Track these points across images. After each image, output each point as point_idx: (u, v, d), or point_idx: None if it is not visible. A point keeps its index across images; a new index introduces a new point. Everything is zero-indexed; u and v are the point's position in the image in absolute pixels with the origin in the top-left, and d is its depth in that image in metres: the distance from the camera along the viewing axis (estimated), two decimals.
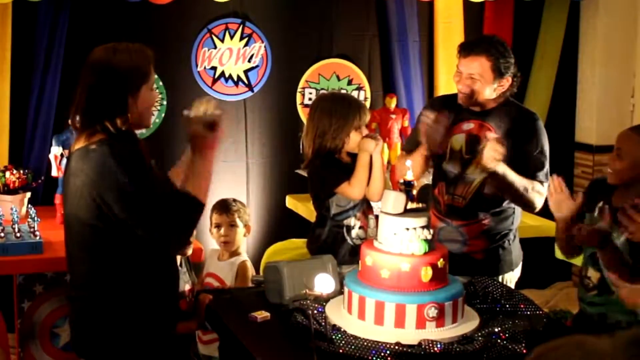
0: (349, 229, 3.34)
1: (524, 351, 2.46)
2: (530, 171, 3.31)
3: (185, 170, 2.61)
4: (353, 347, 2.43)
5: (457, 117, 3.42)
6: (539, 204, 3.33)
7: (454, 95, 3.47)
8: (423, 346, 2.42)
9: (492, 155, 3.13)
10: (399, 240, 2.58)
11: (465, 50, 3.35)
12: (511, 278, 3.48)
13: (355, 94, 5.04)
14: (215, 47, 4.86)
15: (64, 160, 4.14)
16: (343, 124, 3.32)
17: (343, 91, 5.04)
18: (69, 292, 2.71)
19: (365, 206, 3.39)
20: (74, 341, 2.68)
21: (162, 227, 2.48)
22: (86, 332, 2.60)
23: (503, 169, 3.18)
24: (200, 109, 2.59)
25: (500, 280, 3.37)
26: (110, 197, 2.43)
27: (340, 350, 2.42)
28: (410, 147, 3.56)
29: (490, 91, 3.33)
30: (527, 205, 3.35)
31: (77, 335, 2.65)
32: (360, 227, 3.34)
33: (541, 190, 3.30)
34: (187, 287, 3.22)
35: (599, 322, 2.87)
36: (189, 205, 2.53)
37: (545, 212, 3.83)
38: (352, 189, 3.29)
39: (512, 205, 3.41)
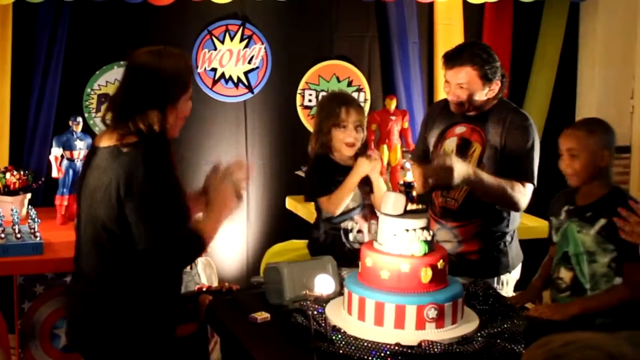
0: (347, 232, 3.34)
1: (524, 351, 2.46)
2: (515, 171, 3.30)
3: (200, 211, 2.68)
4: (353, 347, 2.43)
5: (451, 121, 3.44)
6: (522, 203, 3.31)
7: (445, 100, 3.50)
8: (423, 347, 2.43)
9: (445, 175, 3.10)
10: (399, 242, 2.59)
11: (450, 61, 3.33)
12: (508, 280, 3.48)
13: (355, 95, 5.04)
14: (215, 49, 4.87)
15: (65, 162, 4.15)
16: (325, 119, 3.32)
17: None
18: (70, 284, 2.70)
19: (366, 211, 3.38)
20: (71, 334, 2.68)
21: (166, 251, 2.47)
22: (85, 326, 2.59)
23: (470, 173, 3.15)
24: (235, 172, 2.73)
25: (496, 281, 3.39)
26: (132, 205, 2.42)
27: (340, 351, 2.42)
28: (417, 156, 3.59)
29: (481, 97, 3.33)
30: (509, 205, 3.33)
31: (75, 329, 2.65)
32: (358, 231, 3.33)
33: (522, 190, 3.28)
34: (198, 287, 3.21)
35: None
36: (194, 241, 2.54)
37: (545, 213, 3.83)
38: (330, 206, 3.32)
39: None
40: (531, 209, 3.64)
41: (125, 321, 2.54)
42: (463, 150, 3.38)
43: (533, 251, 3.83)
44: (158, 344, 2.61)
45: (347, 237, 3.34)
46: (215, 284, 3.52)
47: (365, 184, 3.37)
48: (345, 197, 3.31)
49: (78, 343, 2.66)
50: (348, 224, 3.33)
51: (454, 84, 3.33)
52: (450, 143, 3.42)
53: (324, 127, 3.33)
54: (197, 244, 2.56)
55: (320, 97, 5.02)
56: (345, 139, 3.33)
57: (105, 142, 2.52)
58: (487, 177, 3.21)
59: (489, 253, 3.41)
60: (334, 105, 3.34)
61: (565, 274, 2.99)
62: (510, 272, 3.48)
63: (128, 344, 2.56)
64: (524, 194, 3.29)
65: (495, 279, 3.42)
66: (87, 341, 2.61)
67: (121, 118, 2.51)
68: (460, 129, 3.42)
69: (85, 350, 2.65)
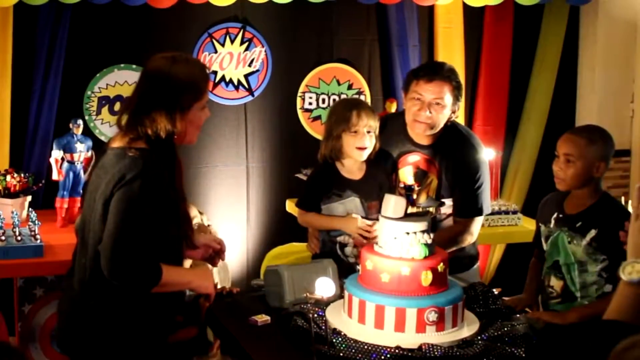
0: (342, 245, 3.31)
1: (523, 355, 2.47)
2: (464, 208, 3.33)
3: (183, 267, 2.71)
4: (353, 350, 2.44)
5: (403, 148, 3.38)
6: (472, 239, 3.38)
7: (399, 117, 3.40)
8: (423, 350, 2.43)
9: None
10: (399, 244, 2.59)
11: (429, 74, 3.21)
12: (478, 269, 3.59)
13: None
14: (215, 52, 4.87)
15: (65, 164, 4.15)
16: (335, 124, 3.26)
17: (343, 96, 5.05)
18: (63, 281, 2.70)
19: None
20: (59, 334, 2.68)
21: (118, 262, 2.42)
22: (72, 326, 2.59)
23: None
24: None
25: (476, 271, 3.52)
26: (114, 202, 2.42)
27: (341, 354, 2.43)
28: None
29: (444, 120, 3.26)
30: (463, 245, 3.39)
31: (63, 329, 2.65)
32: (355, 246, 3.28)
33: (471, 228, 3.34)
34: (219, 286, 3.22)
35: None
36: (150, 270, 2.47)
37: None
38: (300, 219, 3.38)
39: None
40: (531, 212, 3.63)
41: (111, 324, 2.53)
42: (420, 179, 3.35)
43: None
44: (147, 350, 2.59)
45: (342, 251, 3.31)
46: (228, 285, 3.53)
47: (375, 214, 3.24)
48: (314, 227, 3.36)
49: (65, 344, 2.65)
50: (344, 238, 3.30)
51: (430, 100, 3.20)
52: (407, 171, 3.37)
53: (335, 131, 3.25)
54: (151, 276, 2.46)
55: (320, 100, 5.03)
56: (356, 144, 3.22)
57: (116, 144, 2.54)
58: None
59: (462, 248, 3.43)
60: (345, 109, 3.25)
61: (555, 283, 3.01)
62: (478, 261, 3.57)
63: (114, 348, 2.54)
64: (471, 232, 3.35)
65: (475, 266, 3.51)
66: (73, 342, 2.61)
67: (133, 121, 2.52)
68: (413, 158, 3.37)
69: (71, 352, 2.64)
